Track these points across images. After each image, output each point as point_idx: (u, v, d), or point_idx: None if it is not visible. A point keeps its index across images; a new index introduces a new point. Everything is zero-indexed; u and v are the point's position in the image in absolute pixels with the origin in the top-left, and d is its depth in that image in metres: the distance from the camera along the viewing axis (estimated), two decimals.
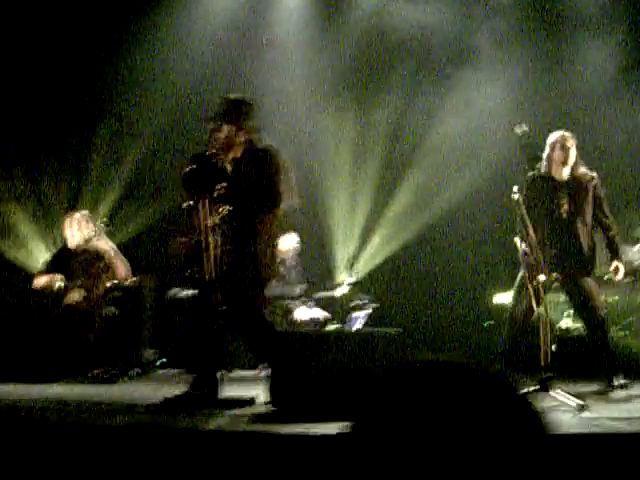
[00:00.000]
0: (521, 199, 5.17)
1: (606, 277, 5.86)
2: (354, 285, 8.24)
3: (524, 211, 5.12)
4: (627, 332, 6.83)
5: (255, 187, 4.28)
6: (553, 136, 5.43)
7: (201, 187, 4.32)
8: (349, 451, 0.92)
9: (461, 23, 8.19)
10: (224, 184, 4.29)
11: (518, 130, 4.77)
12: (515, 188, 5.26)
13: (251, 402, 4.30)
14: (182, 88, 8.23)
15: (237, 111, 4.47)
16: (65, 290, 6.50)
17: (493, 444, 0.87)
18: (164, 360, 7.50)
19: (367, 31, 8.31)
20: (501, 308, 7.81)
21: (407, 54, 8.28)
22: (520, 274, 5.35)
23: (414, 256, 8.30)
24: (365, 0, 8.43)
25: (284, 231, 7.06)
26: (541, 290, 4.92)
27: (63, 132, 8.18)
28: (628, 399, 4.85)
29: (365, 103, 8.33)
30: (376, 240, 8.62)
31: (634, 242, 7.05)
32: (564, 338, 6.77)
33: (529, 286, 5.07)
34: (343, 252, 8.49)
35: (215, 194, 4.31)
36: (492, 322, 8.04)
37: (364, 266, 8.60)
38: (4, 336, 6.62)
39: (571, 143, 5.31)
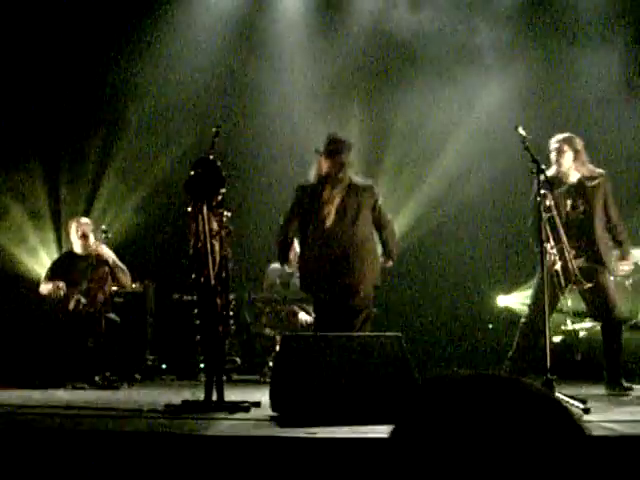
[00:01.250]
0: (552, 201, 5.02)
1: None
2: None
3: (554, 212, 5.00)
4: (632, 333, 6.81)
5: None
6: (559, 137, 5.38)
7: (202, 192, 4.33)
8: (385, 458, 0.90)
9: (464, 29, 8.18)
10: (223, 190, 4.32)
11: (521, 131, 4.74)
12: (541, 191, 5.04)
13: (255, 406, 4.29)
14: (192, 96, 8.28)
15: (326, 145, 5.22)
16: (68, 295, 6.50)
17: (540, 468, 0.85)
18: (165, 366, 7.50)
19: (369, 35, 8.31)
20: (504, 310, 7.80)
21: (409, 57, 8.27)
22: (536, 282, 5.29)
23: (414, 259, 8.27)
24: (368, 4, 8.43)
25: None
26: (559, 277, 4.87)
27: (82, 141, 8.26)
28: (632, 402, 4.83)
29: (368, 106, 8.32)
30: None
31: None
32: (568, 340, 6.75)
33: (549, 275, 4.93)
34: None
35: (217, 199, 4.33)
36: (491, 325, 8.02)
37: None
38: (8, 341, 6.63)
39: (579, 145, 5.33)
